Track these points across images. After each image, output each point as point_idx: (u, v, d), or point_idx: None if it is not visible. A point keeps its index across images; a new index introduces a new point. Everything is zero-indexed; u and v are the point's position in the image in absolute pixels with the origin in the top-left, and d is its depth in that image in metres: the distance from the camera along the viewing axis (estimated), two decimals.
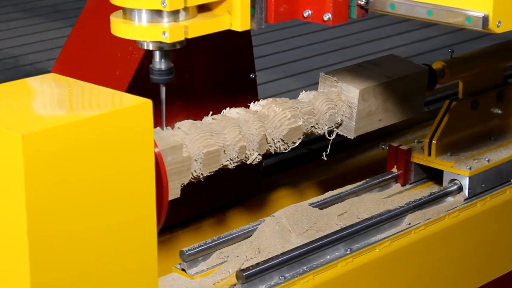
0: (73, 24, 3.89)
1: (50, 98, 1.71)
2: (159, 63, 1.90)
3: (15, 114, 1.61)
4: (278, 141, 2.06)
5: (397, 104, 2.29)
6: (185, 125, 1.93)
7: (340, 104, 2.18)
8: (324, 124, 2.15)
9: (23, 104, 1.66)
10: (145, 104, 1.62)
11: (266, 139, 2.04)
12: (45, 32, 3.70)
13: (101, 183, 1.60)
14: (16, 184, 1.52)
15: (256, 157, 2.03)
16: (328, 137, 2.19)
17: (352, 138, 2.24)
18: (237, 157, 1.99)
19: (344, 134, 2.23)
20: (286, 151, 2.11)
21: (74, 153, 1.56)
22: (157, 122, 1.94)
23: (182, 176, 1.88)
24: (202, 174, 1.93)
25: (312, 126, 2.14)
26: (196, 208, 2.31)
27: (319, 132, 2.16)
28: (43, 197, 1.53)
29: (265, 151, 2.06)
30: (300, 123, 2.09)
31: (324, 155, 2.17)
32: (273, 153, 2.09)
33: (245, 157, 2.02)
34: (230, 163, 1.98)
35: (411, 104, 2.34)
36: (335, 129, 2.21)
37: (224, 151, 1.96)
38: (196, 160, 1.91)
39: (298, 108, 2.10)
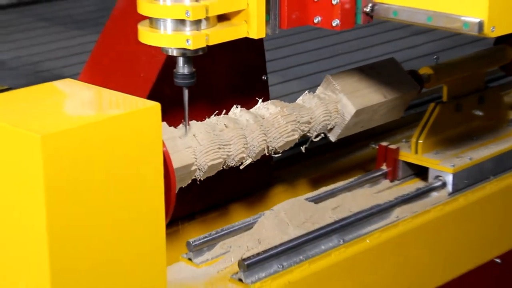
0: (88, 32, 3.91)
1: (66, 102, 1.71)
2: (182, 68, 1.91)
3: (34, 116, 1.61)
4: (272, 149, 2.08)
5: (382, 115, 2.31)
6: (200, 133, 1.95)
7: (335, 115, 2.19)
8: (315, 131, 2.17)
9: (41, 107, 1.67)
10: (154, 107, 1.63)
11: (264, 149, 2.07)
12: (62, 40, 3.70)
13: (114, 181, 1.61)
14: (35, 183, 1.52)
15: (248, 163, 2.05)
16: (314, 139, 2.21)
17: (333, 141, 2.26)
18: (234, 165, 2.01)
19: (328, 136, 2.25)
20: (276, 155, 2.13)
21: (89, 152, 1.56)
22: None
23: (183, 182, 1.91)
24: (200, 179, 1.96)
25: (304, 133, 2.16)
26: (207, 201, 2.33)
27: (308, 135, 2.18)
28: (62, 195, 1.54)
29: (259, 157, 2.08)
30: (296, 136, 2.10)
31: (303, 148, 2.18)
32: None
33: (241, 163, 2.04)
34: (225, 168, 2.00)
35: (393, 113, 2.36)
36: (322, 133, 2.22)
37: (225, 162, 1.98)
38: (199, 169, 1.93)
39: (299, 121, 2.11)
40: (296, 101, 2.20)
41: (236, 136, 1.98)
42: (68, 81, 1.79)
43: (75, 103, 1.69)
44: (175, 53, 1.89)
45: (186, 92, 1.95)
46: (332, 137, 2.24)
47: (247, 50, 2.26)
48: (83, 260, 1.60)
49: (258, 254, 1.98)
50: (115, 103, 1.69)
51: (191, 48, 1.84)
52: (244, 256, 1.98)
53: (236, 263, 1.97)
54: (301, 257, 2.03)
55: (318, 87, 2.24)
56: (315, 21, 1.99)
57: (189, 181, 1.93)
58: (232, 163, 2.00)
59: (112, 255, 1.64)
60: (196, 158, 1.91)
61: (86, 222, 1.58)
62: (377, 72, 2.31)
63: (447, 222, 2.32)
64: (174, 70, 1.92)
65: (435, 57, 2.51)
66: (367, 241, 2.13)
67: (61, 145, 1.52)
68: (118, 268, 1.66)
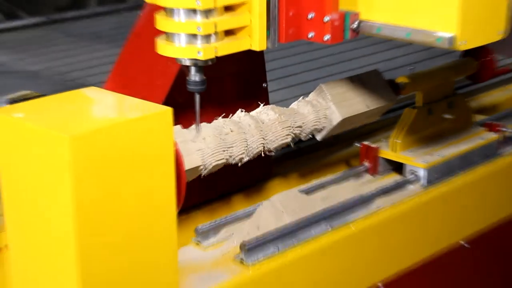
0: (108, 47, 3.91)
1: (91, 107, 1.73)
2: (194, 76, 1.91)
3: (63, 119, 1.61)
4: (267, 149, 2.08)
5: (361, 120, 2.33)
6: (209, 137, 1.95)
7: (323, 121, 2.20)
8: (304, 133, 2.17)
9: (69, 111, 1.67)
10: (167, 111, 1.64)
11: (261, 150, 2.07)
12: (86, 53, 3.70)
13: (132, 175, 1.61)
14: (64, 178, 1.52)
15: (245, 161, 2.05)
16: (303, 139, 2.21)
17: (319, 140, 2.27)
18: (232, 163, 2.02)
19: (315, 136, 2.26)
20: (269, 153, 2.13)
21: (110, 150, 1.57)
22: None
23: (190, 178, 1.92)
24: (204, 176, 1.97)
25: (296, 135, 2.16)
26: (213, 192, 2.32)
27: (299, 136, 2.18)
28: (87, 189, 1.54)
29: (255, 156, 2.08)
30: (289, 139, 2.11)
31: (292, 144, 2.17)
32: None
33: (240, 162, 2.04)
34: (225, 165, 2.01)
35: (371, 118, 2.38)
36: (309, 135, 2.23)
37: (227, 161, 1.99)
38: (205, 168, 1.94)
39: (293, 126, 2.11)
40: (291, 106, 2.20)
41: (239, 139, 1.99)
42: (92, 89, 1.79)
43: (99, 108, 1.70)
44: (188, 63, 1.90)
45: (197, 97, 1.95)
46: (319, 137, 2.25)
47: (249, 61, 2.26)
48: (106, 245, 1.61)
49: (257, 238, 1.98)
50: (133, 108, 1.69)
51: (202, 58, 1.86)
52: (245, 240, 1.98)
53: (238, 246, 1.97)
54: (294, 240, 2.04)
55: (312, 93, 2.25)
56: (309, 36, 2.00)
57: (193, 177, 1.94)
58: (232, 162, 2.01)
59: (131, 240, 1.64)
60: (203, 160, 1.92)
61: (108, 212, 1.59)
62: (362, 83, 2.31)
63: (421, 210, 2.33)
64: (187, 78, 1.93)
65: (411, 67, 2.52)
66: (352, 227, 2.14)
67: (86, 144, 1.52)
68: (136, 251, 1.67)
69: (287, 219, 2.09)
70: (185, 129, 1.96)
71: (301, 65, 3.53)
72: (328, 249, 2.09)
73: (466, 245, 2.45)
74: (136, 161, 1.60)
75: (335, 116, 2.20)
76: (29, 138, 1.57)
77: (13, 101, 1.81)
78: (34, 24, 4.16)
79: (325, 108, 2.20)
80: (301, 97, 2.23)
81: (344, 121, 2.21)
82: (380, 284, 2.25)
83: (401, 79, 2.40)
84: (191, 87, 1.93)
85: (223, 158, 1.96)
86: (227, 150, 1.96)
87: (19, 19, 4.41)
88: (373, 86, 2.33)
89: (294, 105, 2.21)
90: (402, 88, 2.39)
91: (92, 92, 1.77)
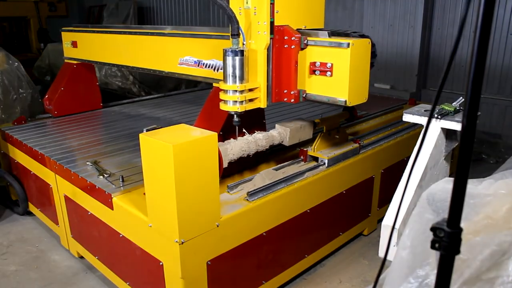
0: (192, 106, 3.88)
1: (183, 131, 1.74)
2: (235, 118, 1.92)
3: (171, 136, 1.62)
4: (259, 148, 2.09)
5: (299, 141, 2.30)
6: (236, 148, 1.96)
7: (283, 141, 2.21)
8: (274, 144, 2.18)
9: (174, 133, 1.68)
10: (214, 135, 1.66)
11: (257, 150, 2.07)
12: (181, 109, 3.70)
13: (199, 161, 1.62)
14: (169, 164, 1.54)
15: (248, 155, 2.05)
16: (274, 145, 2.21)
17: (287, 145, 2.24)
18: (243, 156, 2.01)
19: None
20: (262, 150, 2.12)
21: (189, 152, 1.58)
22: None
23: (224, 164, 1.91)
24: (230, 163, 1.96)
25: (271, 145, 2.16)
26: (235, 170, 2.29)
27: (272, 145, 2.18)
28: (179, 169, 1.54)
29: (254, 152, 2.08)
30: (267, 147, 2.13)
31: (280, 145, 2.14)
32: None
33: (245, 155, 2.03)
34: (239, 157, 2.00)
35: (304, 139, 2.35)
36: (281, 142, 2.23)
37: (242, 156, 1.99)
38: (230, 162, 1.94)
39: (269, 143, 2.13)
40: (270, 132, 2.22)
41: (247, 150, 2.01)
42: (183, 125, 1.81)
43: (186, 133, 1.72)
44: (232, 113, 1.91)
45: (237, 128, 1.98)
46: (284, 143, 2.25)
47: (258, 111, 2.21)
48: (187, 191, 1.61)
49: (254, 189, 2.01)
50: (202, 132, 1.71)
51: (239, 111, 1.88)
52: (249, 191, 2.00)
53: (246, 193, 2.00)
54: (270, 191, 2.06)
55: (280, 126, 2.25)
56: (285, 99, 1.99)
57: (227, 164, 1.94)
58: (243, 156, 2.01)
59: (198, 189, 1.65)
60: (230, 159, 1.94)
61: (189, 177, 1.60)
62: (302, 125, 2.32)
63: (325, 177, 2.32)
64: (232, 119, 1.93)
65: (321, 115, 2.51)
66: (295, 185, 2.15)
67: (179, 148, 1.55)
68: (201, 195, 1.67)
69: (267, 181, 2.12)
70: (224, 142, 1.98)
71: (278, 113, 3.49)
72: (285, 195, 2.10)
73: (344, 192, 2.45)
74: (201, 155, 1.63)
75: (287, 141, 2.22)
76: (156, 146, 1.61)
77: (149, 130, 1.83)
78: (158, 97, 4.19)
79: (284, 136, 2.22)
80: (276, 125, 2.23)
81: (291, 143, 2.23)
82: (308, 210, 2.24)
83: (316, 120, 2.41)
84: (234, 123, 1.94)
85: (238, 157, 1.98)
86: (242, 154, 1.99)
87: (152, 95, 4.47)
88: (308, 126, 2.34)
89: (271, 131, 2.22)
90: (317, 124, 2.40)
91: (184, 126, 1.79)
